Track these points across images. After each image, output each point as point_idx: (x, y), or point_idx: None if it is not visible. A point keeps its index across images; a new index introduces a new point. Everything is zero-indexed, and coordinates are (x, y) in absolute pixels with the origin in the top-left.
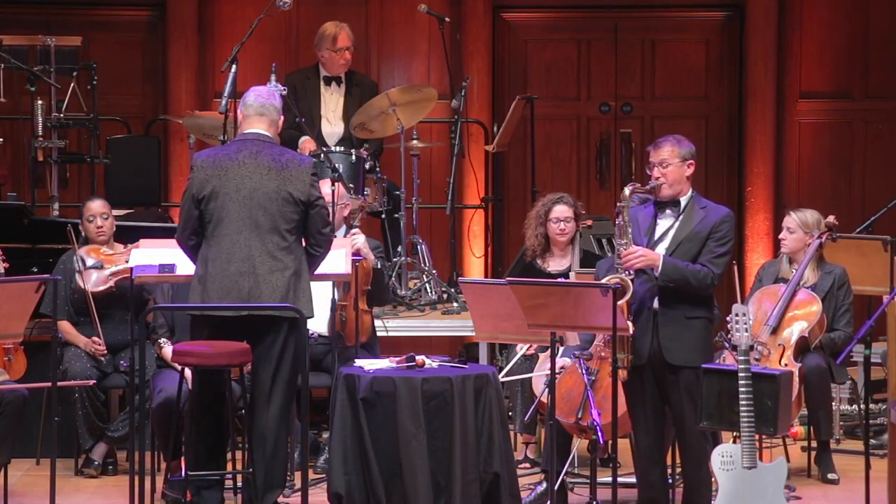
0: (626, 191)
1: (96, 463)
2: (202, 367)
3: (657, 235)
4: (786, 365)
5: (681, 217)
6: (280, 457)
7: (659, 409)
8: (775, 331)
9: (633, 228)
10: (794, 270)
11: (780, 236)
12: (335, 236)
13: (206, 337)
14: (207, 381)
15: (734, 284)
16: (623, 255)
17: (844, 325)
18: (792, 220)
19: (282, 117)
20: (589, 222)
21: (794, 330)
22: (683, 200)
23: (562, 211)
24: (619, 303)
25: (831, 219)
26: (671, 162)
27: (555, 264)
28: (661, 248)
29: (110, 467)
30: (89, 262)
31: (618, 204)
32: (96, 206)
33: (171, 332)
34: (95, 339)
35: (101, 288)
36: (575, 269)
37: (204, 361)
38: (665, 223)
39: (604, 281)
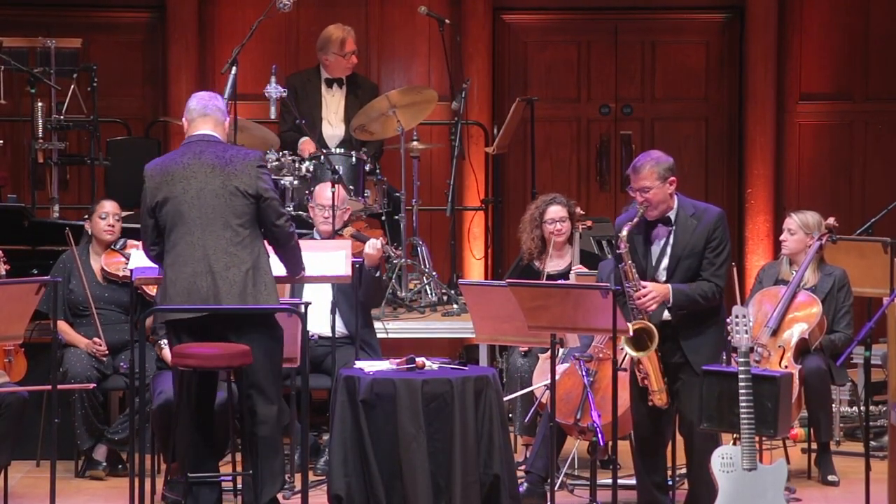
0: (623, 232)
1: (103, 465)
2: (202, 370)
3: (654, 256)
4: (786, 367)
5: (673, 232)
6: (276, 456)
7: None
8: (775, 332)
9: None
10: (794, 272)
11: (781, 238)
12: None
13: (183, 341)
14: (197, 383)
15: (734, 286)
16: (635, 298)
17: (844, 326)
18: (793, 221)
19: (227, 118)
20: (589, 223)
21: (795, 332)
22: (672, 214)
23: (556, 211)
24: (649, 352)
25: (831, 220)
26: (652, 186)
27: (552, 265)
28: (661, 269)
29: (119, 466)
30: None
31: (617, 251)
32: (111, 205)
33: None
34: (96, 339)
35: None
36: (576, 267)
37: (204, 363)
38: (660, 241)
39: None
